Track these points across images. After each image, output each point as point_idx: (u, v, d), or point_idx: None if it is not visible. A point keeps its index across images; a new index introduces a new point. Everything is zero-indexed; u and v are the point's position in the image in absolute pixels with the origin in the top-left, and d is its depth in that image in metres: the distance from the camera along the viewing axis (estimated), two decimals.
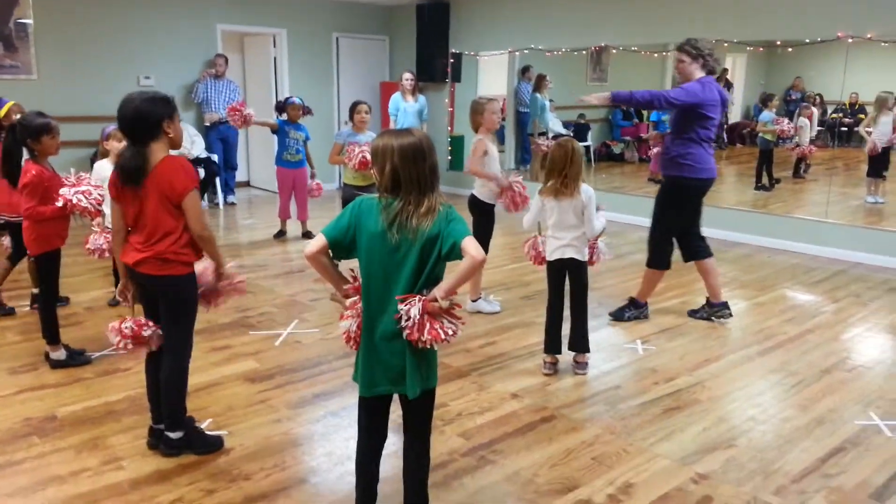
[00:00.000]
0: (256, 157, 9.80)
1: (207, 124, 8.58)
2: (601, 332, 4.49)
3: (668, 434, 3.18)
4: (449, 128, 9.83)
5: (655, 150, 4.85)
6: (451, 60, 9.56)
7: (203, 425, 3.15)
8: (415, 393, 2.18)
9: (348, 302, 2.25)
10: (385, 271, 2.13)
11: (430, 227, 2.07)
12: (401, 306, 2.10)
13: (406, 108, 8.04)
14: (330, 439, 3.11)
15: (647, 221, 4.74)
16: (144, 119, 2.62)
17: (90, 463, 2.85)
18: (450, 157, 9.87)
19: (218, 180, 8.55)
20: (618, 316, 4.70)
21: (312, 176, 6.98)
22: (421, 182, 2.09)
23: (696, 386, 3.71)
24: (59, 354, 3.80)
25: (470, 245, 2.07)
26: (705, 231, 4.71)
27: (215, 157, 8.46)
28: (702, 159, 4.34)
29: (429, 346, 2.12)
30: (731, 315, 4.69)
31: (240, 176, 9.47)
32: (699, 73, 4.30)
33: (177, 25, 8.47)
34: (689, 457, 2.98)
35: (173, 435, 2.89)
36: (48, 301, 3.77)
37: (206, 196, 8.45)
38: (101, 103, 7.92)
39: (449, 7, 9.57)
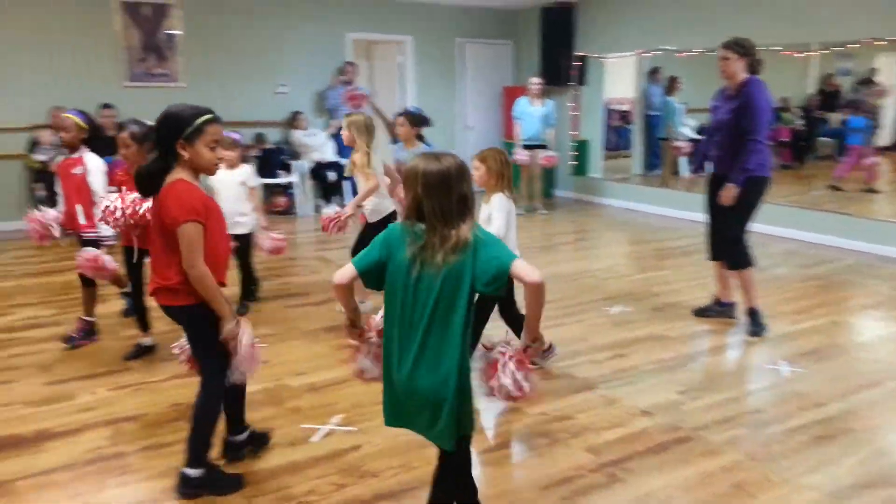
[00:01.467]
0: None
1: (333, 132, 8.88)
2: (740, 350, 4.23)
3: (818, 465, 2.93)
4: (574, 132, 9.66)
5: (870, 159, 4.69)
6: (577, 63, 9.39)
7: (334, 421, 3.23)
8: (450, 446, 2.02)
9: (369, 338, 2.17)
10: (407, 308, 1.94)
11: (455, 262, 1.89)
12: (492, 382, 2.01)
13: (532, 113, 7.97)
14: None
15: (786, 232, 4.42)
16: (159, 131, 2.43)
17: (227, 453, 2.98)
18: (575, 163, 9.70)
19: (347, 185, 8.82)
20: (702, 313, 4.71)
21: None
22: (445, 214, 1.90)
23: (849, 414, 3.40)
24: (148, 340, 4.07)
25: (523, 270, 1.86)
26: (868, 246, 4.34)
27: (344, 161, 8.73)
28: (769, 158, 4.29)
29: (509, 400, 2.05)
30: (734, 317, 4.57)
31: None
32: (743, 74, 4.18)
33: (309, 35, 8.83)
34: (843, 491, 2.73)
35: (192, 472, 2.61)
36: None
37: (333, 201, 8.74)
38: (241, 110, 8.42)
39: (574, 9, 9.41)
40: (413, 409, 2.01)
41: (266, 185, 8.27)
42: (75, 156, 3.99)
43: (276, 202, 8.45)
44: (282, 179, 8.39)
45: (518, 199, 8.61)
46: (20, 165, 7.32)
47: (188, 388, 3.58)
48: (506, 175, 3.52)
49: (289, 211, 8.48)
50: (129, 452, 2.97)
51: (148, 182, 2.44)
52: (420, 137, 5.10)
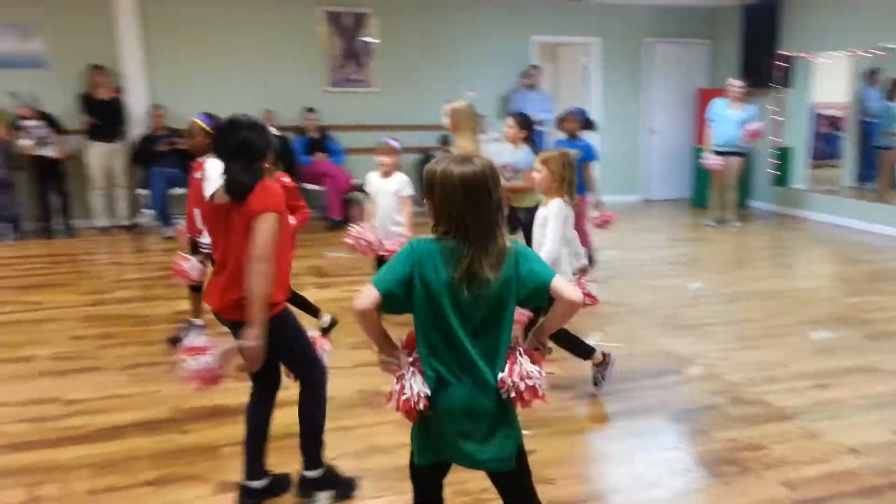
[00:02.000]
0: None
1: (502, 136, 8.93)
2: None
3: None
4: (776, 139, 8.93)
5: None
6: (781, 64, 8.67)
7: None
8: (510, 464, 1.96)
9: (405, 360, 1.92)
10: (451, 329, 1.80)
11: (502, 276, 1.77)
12: (506, 379, 1.86)
13: (728, 117, 7.49)
14: (633, 461, 2.98)
15: None
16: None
17: (407, 440, 3.07)
18: (776, 172, 8.96)
19: None
20: None
21: (598, 204, 5.79)
22: (486, 223, 1.77)
23: None
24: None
25: (564, 288, 1.79)
26: None
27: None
28: None
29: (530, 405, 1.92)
30: None
31: None
32: None
33: (495, 38, 8.94)
34: None
35: (312, 474, 2.66)
36: None
37: None
38: (430, 113, 8.71)
39: (780, 4, 8.69)
40: (468, 429, 1.89)
41: None
42: (199, 160, 3.92)
43: None
44: None
45: (711, 209, 8.18)
46: None
47: (373, 377, 3.74)
48: (566, 179, 3.36)
49: None
50: None
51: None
52: (527, 140, 4.88)
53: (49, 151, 6.95)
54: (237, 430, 3.16)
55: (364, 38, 8.46)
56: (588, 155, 5.58)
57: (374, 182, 4.60)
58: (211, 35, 7.91)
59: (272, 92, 8.11)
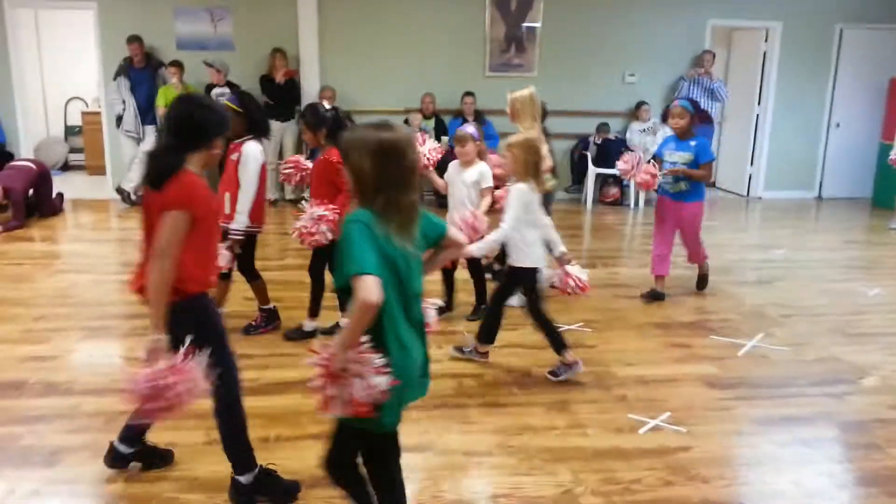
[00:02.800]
0: (726, 157, 9.42)
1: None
2: None
3: None
4: None
5: None
6: None
7: (662, 417, 3.13)
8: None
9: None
10: (405, 293, 1.90)
11: (419, 230, 1.93)
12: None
13: None
14: (798, 468, 2.79)
15: None
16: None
17: (558, 422, 3.09)
18: None
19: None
20: None
21: None
22: (408, 183, 1.86)
23: None
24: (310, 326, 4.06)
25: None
26: None
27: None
28: None
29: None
30: None
31: None
32: None
33: (667, 22, 8.56)
34: None
35: (243, 479, 2.47)
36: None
37: None
38: (586, 99, 8.57)
39: None
40: (424, 370, 2.02)
41: (600, 176, 8.32)
42: (237, 142, 3.78)
43: (607, 193, 8.45)
44: (617, 170, 8.32)
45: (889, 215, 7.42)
46: None
47: (523, 358, 3.78)
48: (531, 164, 3.39)
49: (620, 202, 8.41)
50: (470, 405, 3.24)
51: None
52: (697, 129, 4.89)
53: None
54: None
55: (528, 24, 8.42)
56: (703, 156, 4.60)
57: (452, 171, 4.30)
58: (379, 20, 8.20)
59: (433, 75, 8.30)
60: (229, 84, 7.59)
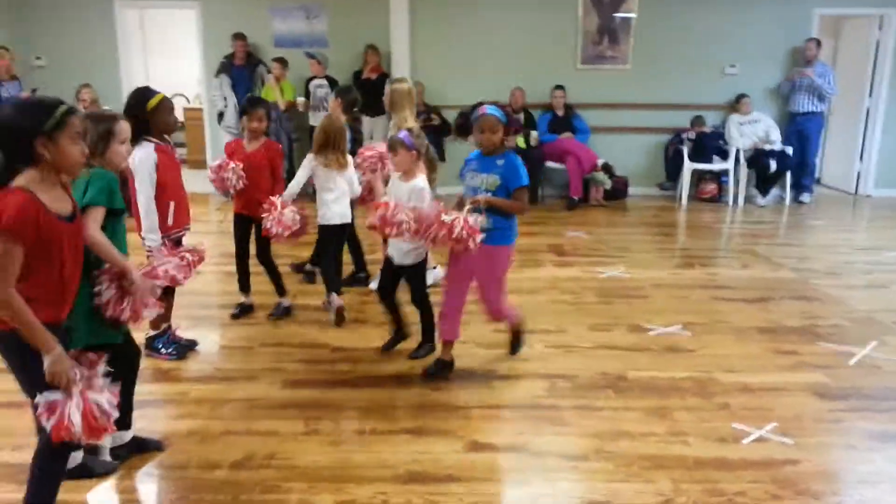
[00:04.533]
0: (833, 152, 8.90)
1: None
2: None
3: None
4: None
5: None
6: None
7: (768, 428, 2.99)
8: None
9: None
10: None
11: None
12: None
13: None
14: None
15: None
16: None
17: (657, 429, 2.99)
18: None
19: (787, 176, 8.04)
20: None
21: None
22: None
23: None
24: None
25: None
26: None
27: (789, 150, 7.96)
28: None
29: None
30: None
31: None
32: None
33: (770, 12, 8.14)
34: None
35: None
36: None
37: (771, 193, 8.04)
38: (684, 92, 8.27)
39: None
40: None
41: (696, 171, 8.02)
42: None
43: (704, 189, 8.14)
44: (715, 166, 8.02)
45: None
46: None
47: (617, 360, 3.70)
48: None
49: (718, 199, 8.09)
50: (564, 407, 3.19)
51: None
52: None
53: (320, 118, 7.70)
54: (486, 393, 3.33)
55: (622, 14, 8.20)
56: (514, 180, 3.29)
57: (392, 183, 3.79)
58: (470, 14, 8.18)
59: (524, 69, 8.21)
60: (328, 78, 7.77)
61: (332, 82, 7.83)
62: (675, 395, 3.31)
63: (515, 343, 3.77)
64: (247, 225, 4.21)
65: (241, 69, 7.94)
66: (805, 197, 8.12)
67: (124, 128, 2.66)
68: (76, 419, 2.01)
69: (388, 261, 3.73)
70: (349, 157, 4.19)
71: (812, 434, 2.98)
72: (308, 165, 4.12)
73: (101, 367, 2.21)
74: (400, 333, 3.84)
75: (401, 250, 3.61)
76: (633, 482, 2.62)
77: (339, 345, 3.92)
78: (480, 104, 3.32)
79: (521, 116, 8.05)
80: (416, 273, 3.70)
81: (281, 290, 4.36)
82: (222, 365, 3.68)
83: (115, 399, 2.14)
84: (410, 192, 3.53)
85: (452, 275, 3.47)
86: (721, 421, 3.07)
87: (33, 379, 2.04)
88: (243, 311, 4.35)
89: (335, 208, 4.13)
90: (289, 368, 3.61)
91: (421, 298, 3.73)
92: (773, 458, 2.78)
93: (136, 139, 3.35)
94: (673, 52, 8.24)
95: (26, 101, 2.12)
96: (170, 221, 3.43)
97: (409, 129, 3.75)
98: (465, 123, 3.33)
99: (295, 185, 4.07)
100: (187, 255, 2.89)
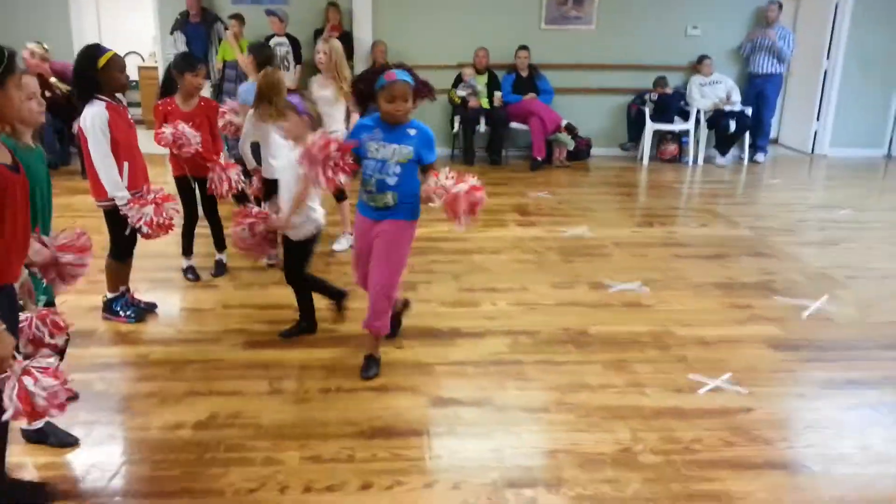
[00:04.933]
0: (790, 113, 9.05)
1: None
2: None
3: None
4: None
5: None
6: None
7: (723, 378, 3.08)
8: None
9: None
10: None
11: None
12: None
13: None
14: (865, 433, 2.72)
15: None
16: None
17: (616, 381, 3.06)
18: None
19: (746, 137, 8.16)
20: None
21: None
22: None
23: None
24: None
25: None
26: None
27: (749, 111, 8.06)
28: None
29: None
30: None
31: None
32: None
33: None
34: None
35: None
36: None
37: (728, 152, 8.15)
38: (646, 52, 8.28)
39: None
40: None
41: (657, 132, 8.09)
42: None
43: (665, 149, 8.22)
44: (675, 126, 8.10)
45: None
46: (443, 100, 8.29)
47: (578, 316, 3.76)
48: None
49: (678, 159, 8.19)
50: (526, 362, 3.24)
51: None
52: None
53: (289, 77, 7.50)
54: (450, 350, 3.35)
55: None
56: (428, 154, 2.97)
57: (280, 149, 3.78)
58: None
59: (487, 29, 8.10)
60: (288, 36, 7.58)
61: (293, 41, 7.63)
62: (633, 348, 3.39)
63: (396, 324, 3.42)
64: (191, 187, 4.14)
65: (197, 26, 7.69)
66: (760, 157, 8.27)
67: (30, 81, 2.45)
68: (12, 401, 1.92)
69: (284, 238, 3.41)
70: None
71: (765, 384, 3.08)
72: (249, 121, 4.10)
73: (56, 340, 2.18)
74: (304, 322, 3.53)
75: (294, 223, 3.30)
76: (593, 432, 2.68)
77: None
78: (386, 68, 2.88)
79: (486, 77, 8.00)
80: (299, 250, 3.38)
81: (221, 245, 4.35)
82: (183, 327, 3.64)
83: (60, 380, 2.00)
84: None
85: (358, 264, 3.15)
86: (678, 373, 3.15)
87: None
88: (219, 269, 4.37)
89: (272, 162, 4.01)
90: (251, 329, 3.58)
91: (296, 278, 3.44)
92: (727, 406, 2.88)
93: (87, 98, 3.28)
94: (637, 12, 8.22)
95: None
96: (124, 182, 3.35)
97: (301, 93, 3.51)
98: (368, 90, 2.89)
99: (242, 141, 4.08)
100: (154, 196, 3.08)
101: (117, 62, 3.30)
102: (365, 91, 2.92)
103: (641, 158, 8.11)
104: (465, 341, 3.47)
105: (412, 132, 2.91)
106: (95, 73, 3.24)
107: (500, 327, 3.62)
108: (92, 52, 3.29)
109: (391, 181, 2.88)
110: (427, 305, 3.89)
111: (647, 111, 8.03)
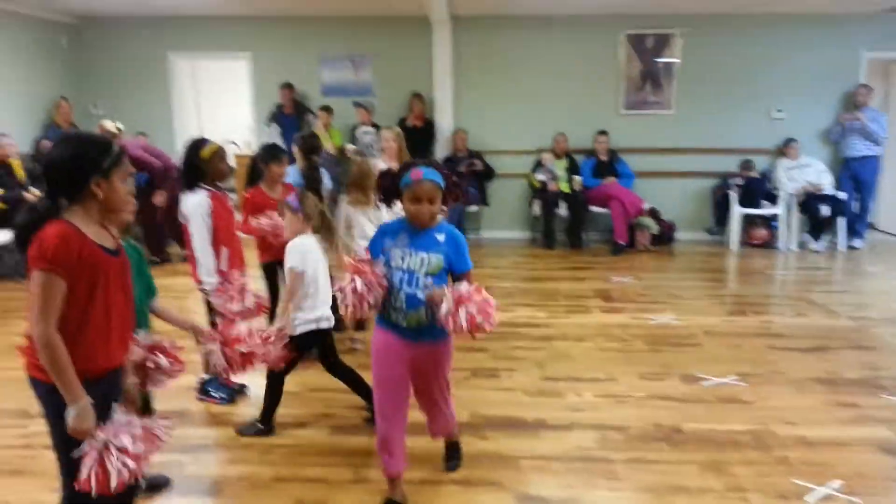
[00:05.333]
0: (887, 197, 8.68)
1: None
2: None
3: None
4: None
5: None
6: None
7: (833, 485, 2.86)
8: None
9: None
10: None
11: None
12: None
13: None
14: None
15: None
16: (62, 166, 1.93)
17: (714, 485, 2.89)
18: None
19: (841, 221, 7.85)
20: None
21: None
22: None
23: None
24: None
25: None
26: None
27: (842, 195, 7.78)
28: None
29: None
30: None
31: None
32: None
33: (816, 56, 8.08)
34: None
35: None
36: None
37: (824, 238, 7.84)
38: (728, 136, 8.21)
39: None
40: None
41: (745, 216, 7.89)
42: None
43: (754, 234, 7.99)
44: (765, 210, 7.89)
45: None
46: (522, 184, 8.41)
47: (671, 411, 3.60)
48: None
49: (770, 244, 7.92)
50: (616, 460, 3.10)
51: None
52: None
53: (376, 163, 7.80)
54: (535, 443, 3.26)
55: (664, 59, 8.22)
56: (460, 262, 2.62)
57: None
58: (512, 63, 8.29)
59: (566, 115, 8.27)
60: (374, 125, 7.94)
61: (378, 129, 7.99)
62: (732, 448, 3.20)
63: (455, 453, 3.06)
64: (276, 272, 4.18)
65: (290, 117, 8.16)
66: (857, 242, 7.91)
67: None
68: (95, 474, 1.89)
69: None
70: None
71: (879, 493, 2.84)
72: (341, 205, 4.40)
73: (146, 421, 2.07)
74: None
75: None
76: None
77: None
78: (413, 165, 2.56)
79: (565, 162, 8.07)
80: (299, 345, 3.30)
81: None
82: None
83: (148, 448, 1.99)
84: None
85: (386, 389, 2.64)
86: (781, 476, 2.95)
87: (60, 430, 1.92)
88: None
89: (361, 243, 4.12)
90: (336, 414, 3.60)
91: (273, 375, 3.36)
92: None
93: (191, 186, 3.50)
94: (717, 96, 8.21)
95: (80, 136, 2.04)
96: (223, 267, 3.50)
97: (299, 192, 3.51)
98: (392, 187, 2.60)
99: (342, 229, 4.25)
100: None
101: (221, 153, 3.53)
102: (389, 187, 2.61)
103: (730, 243, 7.90)
104: (550, 434, 3.37)
105: (440, 237, 2.56)
106: (200, 163, 3.47)
107: (587, 420, 3.51)
108: (198, 144, 3.54)
109: (422, 295, 2.51)
110: (510, 394, 3.82)
111: (734, 195, 7.87)
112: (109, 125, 6.91)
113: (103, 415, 1.95)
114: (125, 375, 2.15)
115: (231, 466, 3.07)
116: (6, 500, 2.81)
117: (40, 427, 2.06)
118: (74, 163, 1.90)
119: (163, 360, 2.29)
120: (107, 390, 2.00)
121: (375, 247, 2.62)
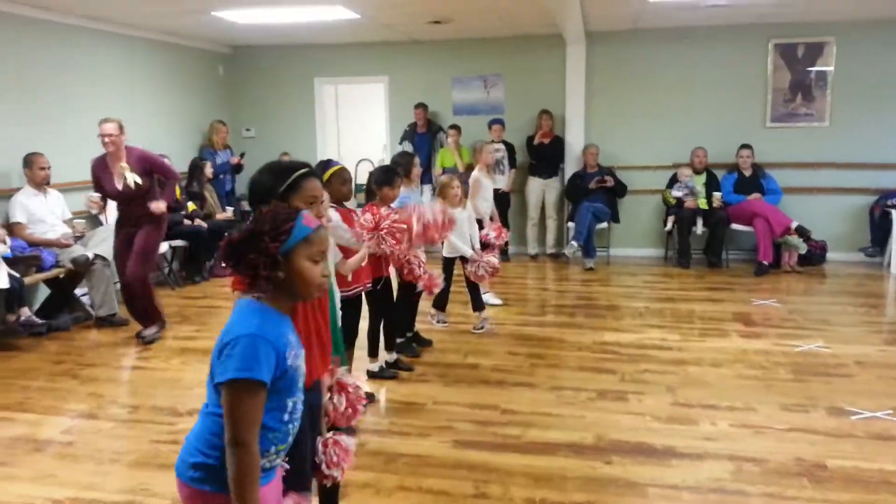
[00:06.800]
0: None
1: None
2: None
3: None
4: None
5: None
6: None
7: None
8: None
9: None
10: None
11: None
12: None
13: None
14: None
15: None
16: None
17: None
18: None
19: None
20: None
21: None
22: None
23: None
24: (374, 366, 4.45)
25: None
26: None
27: None
28: None
29: None
30: None
31: None
32: None
33: None
34: None
35: None
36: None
37: None
38: (888, 150, 7.52)
39: None
40: None
41: None
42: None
43: None
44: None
45: None
46: (656, 200, 8.13)
47: (814, 446, 3.34)
48: None
49: None
50: (751, 494, 2.92)
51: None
52: None
53: (501, 183, 7.87)
54: (664, 471, 3.13)
55: (818, 68, 7.68)
56: None
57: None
58: (648, 75, 8.05)
59: (705, 129, 7.92)
60: (504, 142, 8.04)
61: (509, 146, 8.06)
62: (884, 489, 2.91)
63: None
64: (391, 286, 4.48)
65: (422, 135, 8.41)
66: None
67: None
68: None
69: None
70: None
71: None
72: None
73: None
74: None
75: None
76: None
77: (508, 407, 3.90)
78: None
79: (704, 177, 7.73)
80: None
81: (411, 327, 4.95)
82: (397, 419, 3.80)
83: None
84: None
85: None
86: None
87: None
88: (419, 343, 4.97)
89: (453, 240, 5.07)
90: (459, 428, 3.64)
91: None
92: None
93: None
94: (877, 107, 7.55)
95: (277, 164, 2.40)
96: (349, 278, 3.67)
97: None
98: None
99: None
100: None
101: (340, 175, 3.67)
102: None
103: (889, 265, 7.22)
104: (681, 462, 3.22)
105: None
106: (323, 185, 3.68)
107: (722, 450, 3.32)
108: (321, 166, 3.73)
109: None
110: (639, 419, 3.70)
111: (895, 213, 7.19)
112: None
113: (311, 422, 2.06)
114: (323, 390, 2.22)
115: (357, 473, 3.17)
116: (154, 491, 3.07)
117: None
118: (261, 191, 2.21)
119: (342, 404, 2.29)
120: (310, 399, 1.97)
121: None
